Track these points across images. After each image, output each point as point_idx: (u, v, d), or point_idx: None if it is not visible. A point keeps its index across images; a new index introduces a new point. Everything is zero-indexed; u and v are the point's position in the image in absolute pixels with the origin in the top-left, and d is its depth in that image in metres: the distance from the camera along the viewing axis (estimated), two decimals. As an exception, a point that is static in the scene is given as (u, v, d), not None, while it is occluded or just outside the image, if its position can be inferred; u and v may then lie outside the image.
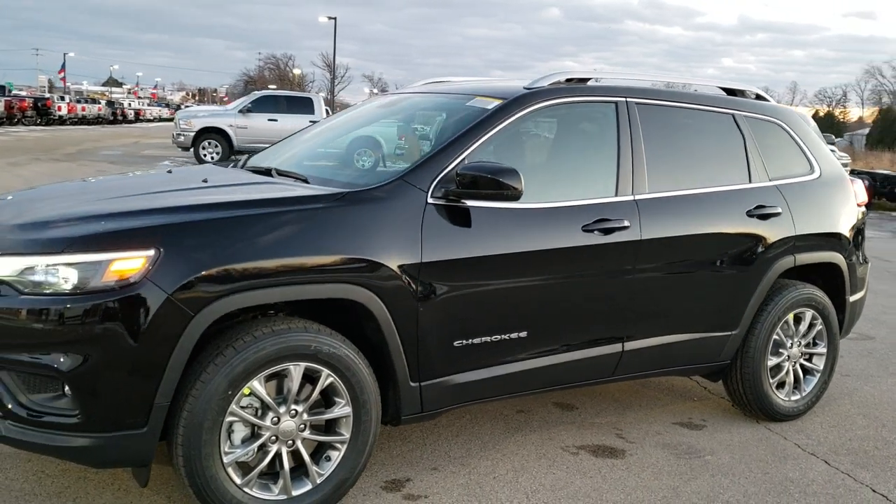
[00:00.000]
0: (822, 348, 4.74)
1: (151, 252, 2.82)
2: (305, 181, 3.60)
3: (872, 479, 3.93)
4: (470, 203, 3.39)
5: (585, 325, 3.85)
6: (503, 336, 3.55)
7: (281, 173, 3.81)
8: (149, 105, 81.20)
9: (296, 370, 3.07)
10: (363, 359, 3.21)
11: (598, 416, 4.52)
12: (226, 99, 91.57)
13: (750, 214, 4.31)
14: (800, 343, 4.65)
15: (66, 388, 2.81)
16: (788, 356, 4.60)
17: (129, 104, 68.48)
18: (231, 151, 20.35)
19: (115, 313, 2.77)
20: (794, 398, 4.65)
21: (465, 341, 3.45)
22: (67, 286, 2.78)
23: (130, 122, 59.93)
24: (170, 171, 4.16)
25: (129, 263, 2.80)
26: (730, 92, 4.69)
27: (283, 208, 3.13)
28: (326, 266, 3.09)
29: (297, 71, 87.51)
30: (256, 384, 3.01)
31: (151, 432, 2.88)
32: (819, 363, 4.75)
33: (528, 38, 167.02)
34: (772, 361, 4.51)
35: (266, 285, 2.99)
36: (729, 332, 4.31)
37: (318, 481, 3.18)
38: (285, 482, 3.12)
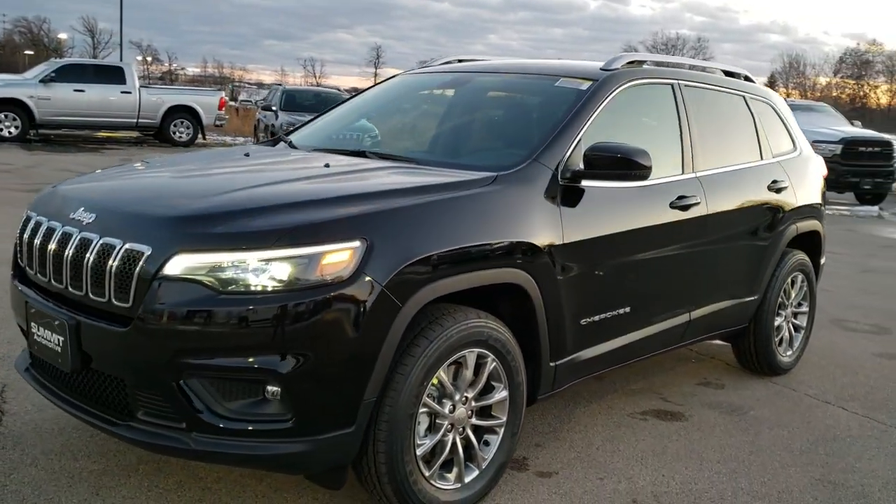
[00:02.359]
0: (805, 307, 5.28)
1: (359, 242, 2.66)
2: (416, 162, 3.50)
3: (890, 419, 4.46)
4: (585, 184, 3.46)
5: (669, 297, 4.07)
6: (615, 312, 3.68)
7: (380, 155, 3.67)
8: None
9: (471, 357, 3.03)
10: (516, 343, 3.22)
11: (629, 383, 4.75)
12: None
13: (769, 189, 4.70)
14: (792, 304, 5.13)
15: (274, 391, 2.60)
16: (785, 316, 5.07)
17: None
18: (31, 125, 18.60)
19: (334, 309, 2.60)
20: (788, 353, 5.14)
21: (589, 319, 3.53)
22: (279, 283, 2.56)
23: None
24: (247, 154, 3.85)
25: (340, 255, 2.63)
26: (731, 75, 5.04)
27: (457, 193, 3.05)
28: (498, 251, 3.07)
29: (62, 35, 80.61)
30: (442, 373, 2.94)
31: (358, 430, 2.73)
32: (803, 321, 5.28)
33: (299, 8, 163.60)
34: (776, 322, 4.96)
35: (456, 272, 2.92)
36: (754, 297, 4.70)
37: (483, 466, 3.16)
38: (460, 470, 3.08)
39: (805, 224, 5.05)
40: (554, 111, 3.68)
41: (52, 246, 2.90)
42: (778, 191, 4.77)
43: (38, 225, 3.05)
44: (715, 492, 3.45)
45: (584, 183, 3.45)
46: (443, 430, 2.99)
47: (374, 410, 2.75)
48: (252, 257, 2.57)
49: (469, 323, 2.96)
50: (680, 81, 4.28)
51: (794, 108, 6.26)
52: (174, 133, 20.01)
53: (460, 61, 4.81)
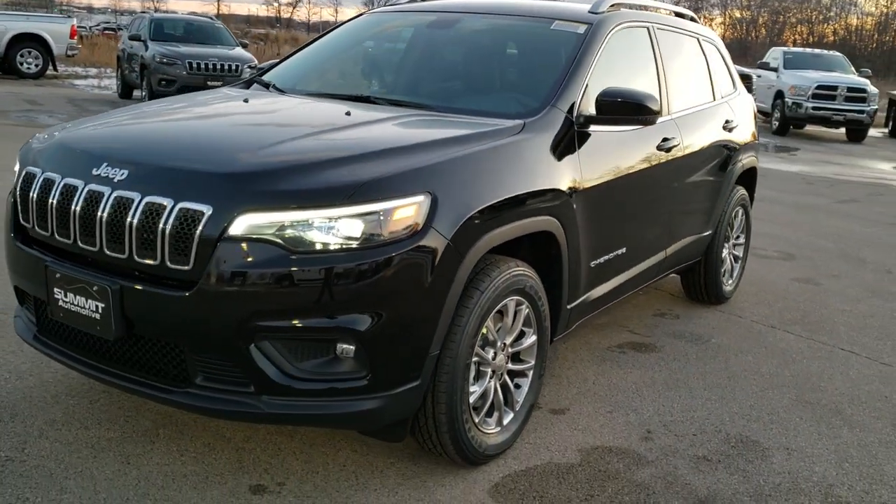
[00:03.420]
0: (742, 239, 5.62)
1: (425, 196, 2.63)
2: (432, 109, 3.44)
3: (830, 339, 4.88)
4: (593, 128, 3.52)
5: (653, 236, 4.24)
6: (616, 253, 3.81)
7: (388, 101, 3.57)
8: None
9: (511, 305, 3.08)
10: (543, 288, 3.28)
11: (595, 318, 4.93)
12: None
13: (724, 128, 4.94)
14: (733, 236, 5.46)
15: (347, 349, 2.55)
16: (727, 248, 5.39)
17: None
18: None
19: (406, 265, 2.56)
20: (730, 283, 5.49)
21: (597, 261, 3.64)
22: (352, 240, 2.50)
23: None
24: (246, 100, 3.63)
25: (409, 210, 2.58)
26: (679, 16, 5.19)
27: (497, 142, 3.04)
28: (536, 199, 3.10)
29: None
30: (489, 322, 2.98)
31: (424, 383, 2.74)
32: (741, 252, 5.64)
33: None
34: (723, 254, 5.27)
35: (505, 223, 2.93)
36: (709, 232, 4.96)
37: (517, 408, 3.25)
38: (500, 414, 3.15)
39: (748, 161, 5.35)
40: (557, 55, 3.70)
41: (76, 206, 2.69)
42: (730, 130, 5.01)
43: (49, 182, 2.80)
44: (715, 418, 3.69)
45: (592, 128, 3.51)
46: (487, 378, 3.04)
47: (436, 363, 2.76)
48: (325, 215, 2.48)
49: (511, 272, 2.99)
50: (653, 24, 4.38)
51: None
52: (21, 64, 18.51)
53: (422, -1, 4.72)
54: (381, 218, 2.52)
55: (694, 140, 4.48)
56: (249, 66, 14.83)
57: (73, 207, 2.70)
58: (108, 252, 2.63)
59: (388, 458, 3.11)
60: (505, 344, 3.12)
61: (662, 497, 3.00)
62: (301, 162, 2.64)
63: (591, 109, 3.48)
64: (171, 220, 2.50)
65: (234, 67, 14.55)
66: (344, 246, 2.50)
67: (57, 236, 2.77)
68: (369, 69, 4.23)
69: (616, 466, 3.19)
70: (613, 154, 3.67)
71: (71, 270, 2.71)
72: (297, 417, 2.63)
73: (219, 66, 14.44)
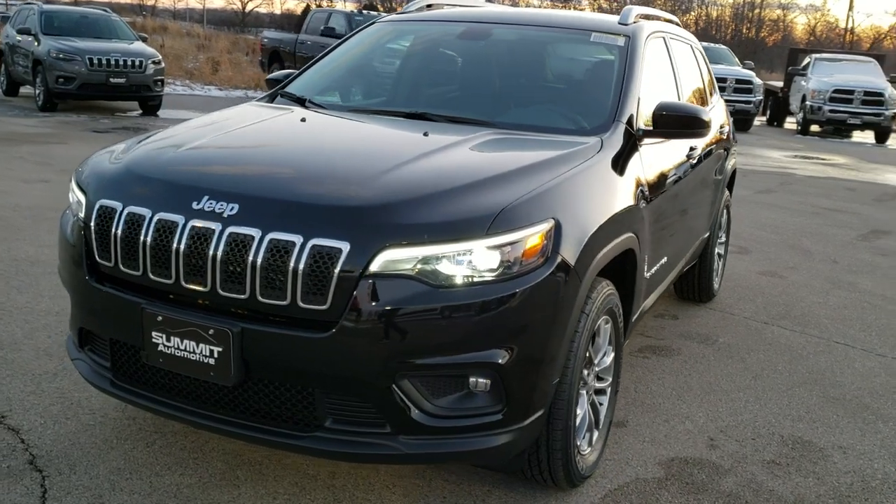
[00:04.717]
0: (724, 237, 5.82)
1: (552, 222, 2.59)
2: (497, 126, 3.38)
3: (821, 333, 5.13)
4: (646, 141, 3.56)
5: (683, 243, 4.32)
6: (661, 262, 3.87)
7: (445, 118, 3.47)
8: None
9: (603, 326, 3.08)
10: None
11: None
12: None
13: (720, 132, 5.09)
14: (719, 236, 5.65)
15: (483, 383, 2.49)
16: (715, 247, 5.58)
17: None
18: None
19: (540, 294, 2.52)
20: (716, 281, 5.67)
21: (650, 272, 3.69)
22: (491, 272, 2.43)
23: None
24: (303, 120, 3.43)
25: (538, 238, 2.54)
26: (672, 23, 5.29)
27: (588, 162, 3.02)
28: (624, 216, 3.11)
29: None
30: (590, 345, 2.97)
31: (546, 412, 2.70)
32: (722, 250, 5.83)
33: None
34: (715, 253, 5.45)
35: (607, 243, 2.92)
36: (707, 234, 5.11)
37: (601, 426, 3.25)
38: (591, 433, 3.15)
39: (734, 162, 5.53)
40: (606, 69, 3.71)
41: (178, 244, 2.49)
42: (723, 133, 5.17)
43: (136, 217, 2.59)
44: (762, 420, 3.81)
45: (645, 141, 3.54)
46: (585, 399, 3.03)
47: (556, 390, 2.72)
48: (463, 248, 2.41)
49: (605, 293, 2.99)
50: (666, 34, 4.45)
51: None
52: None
53: (429, 7, 4.63)
54: (517, 247, 2.47)
55: (705, 146, 4.59)
56: (153, 62, 14.16)
57: (174, 245, 2.50)
58: (222, 292, 2.46)
59: (483, 486, 3.05)
60: (595, 363, 3.11)
61: (758, 506, 3.07)
62: (428, 193, 2.54)
63: (642, 123, 3.50)
64: (303, 259, 2.36)
65: (137, 63, 13.83)
66: (483, 278, 2.42)
67: (152, 276, 2.57)
68: (405, 82, 4.09)
69: (700, 478, 3.25)
70: (661, 166, 3.71)
71: (177, 313, 2.51)
72: (435, 457, 2.55)
73: (121, 62, 13.68)
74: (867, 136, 21.78)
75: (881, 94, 20.07)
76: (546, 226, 2.56)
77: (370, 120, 3.52)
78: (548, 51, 4.06)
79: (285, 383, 2.49)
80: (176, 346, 2.52)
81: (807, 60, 22.95)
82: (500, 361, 2.46)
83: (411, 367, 2.41)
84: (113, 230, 2.63)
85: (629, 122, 3.43)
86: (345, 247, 2.35)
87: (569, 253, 2.61)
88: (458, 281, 2.40)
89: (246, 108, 3.78)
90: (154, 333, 2.55)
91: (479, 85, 3.90)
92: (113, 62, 13.64)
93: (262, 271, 2.39)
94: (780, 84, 24.45)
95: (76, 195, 2.92)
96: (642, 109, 3.55)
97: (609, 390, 3.29)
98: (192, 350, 2.50)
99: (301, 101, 3.81)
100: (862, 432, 3.76)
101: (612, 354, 3.25)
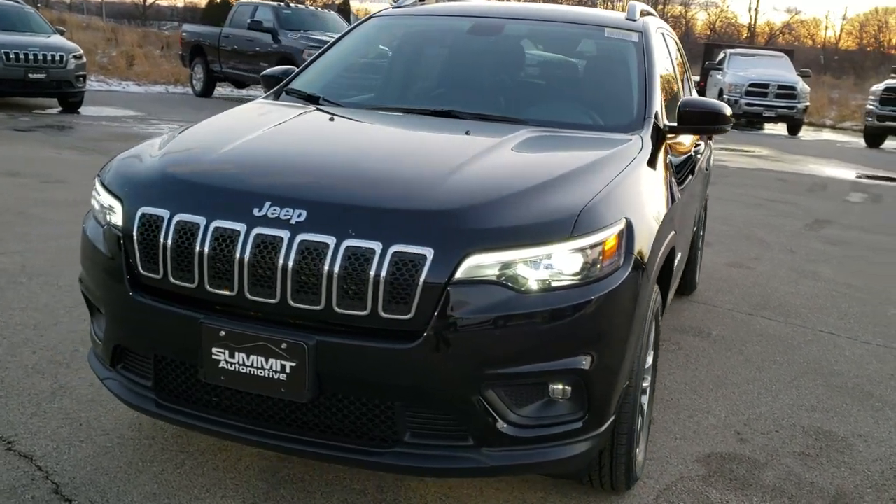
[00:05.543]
0: (701, 232, 5.90)
1: (624, 222, 2.54)
2: (531, 124, 3.31)
3: (804, 322, 5.25)
4: (669, 137, 3.56)
5: (688, 238, 4.34)
6: (678, 258, 3.85)
7: (474, 115, 3.37)
8: None
9: (650, 328, 3.05)
10: None
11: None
12: None
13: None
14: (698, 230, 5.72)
15: (563, 390, 2.42)
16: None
17: None
18: None
19: (619, 296, 2.46)
20: (698, 273, 5.75)
21: (673, 268, 3.68)
22: (574, 275, 2.36)
23: None
24: (332, 119, 3.27)
25: (614, 238, 2.48)
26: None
27: (637, 158, 2.98)
28: (670, 213, 3.09)
29: None
30: (645, 346, 2.94)
31: (616, 418, 2.65)
32: (700, 243, 5.91)
33: None
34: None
35: (663, 241, 2.89)
36: (695, 229, 5.16)
37: (644, 427, 3.22)
38: (639, 434, 3.11)
39: (712, 157, 5.60)
40: (626, 64, 3.68)
41: (242, 254, 2.33)
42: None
43: (188, 226, 2.41)
44: (780, 412, 3.86)
45: (669, 137, 3.53)
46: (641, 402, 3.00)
47: (624, 394, 2.67)
48: (547, 251, 2.33)
49: (655, 291, 2.96)
50: (661, 29, 4.46)
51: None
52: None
53: (422, 1, 4.52)
54: (598, 249, 2.40)
55: (700, 141, 4.63)
56: (75, 57, 13.51)
57: (236, 255, 2.34)
58: (293, 304, 2.31)
59: (536, 493, 2.98)
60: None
61: (805, 498, 3.10)
62: (505, 195, 2.44)
63: (666, 119, 3.49)
64: (385, 267, 2.23)
65: (58, 58, 13.17)
66: (567, 282, 2.35)
67: (209, 288, 2.39)
68: (422, 79, 3.96)
69: (740, 473, 3.25)
70: (680, 162, 3.71)
71: (243, 327, 2.35)
72: (518, 468, 2.46)
73: (41, 57, 13.00)
74: (779, 129, 22.61)
75: (794, 88, 20.88)
76: (620, 226, 2.50)
77: (401, 119, 3.39)
78: (565, 46, 4.00)
79: (363, 397, 2.36)
80: (241, 362, 2.36)
81: (722, 55, 23.69)
82: (584, 367, 2.39)
83: (497, 377, 2.32)
84: (161, 240, 2.44)
85: (656, 118, 3.41)
86: (429, 253, 2.24)
87: (641, 253, 2.57)
88: (543, 285, 2.32)
89: (259, 106, 3.60)
90: (215, 349, 2.38)
91: (501, 81, 3.81)
92: (31, 57, 12.97)
93: (340, 281, 2.26)
94: (696, 78, 25.15)
95: (106, 201, 2.71)
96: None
97: (649, 390, 3.26)
98: (260, 366, 2.34)
99: (313, 99, 3.65)
100: (875, 420, 3.85)
101: (653, 354, 3.23)
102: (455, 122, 3.27)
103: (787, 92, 20.86)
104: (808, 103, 21.73)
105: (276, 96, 3.81)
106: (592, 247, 2.38)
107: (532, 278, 2.31)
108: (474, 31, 4.01)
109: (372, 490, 2.92)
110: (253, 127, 3.10)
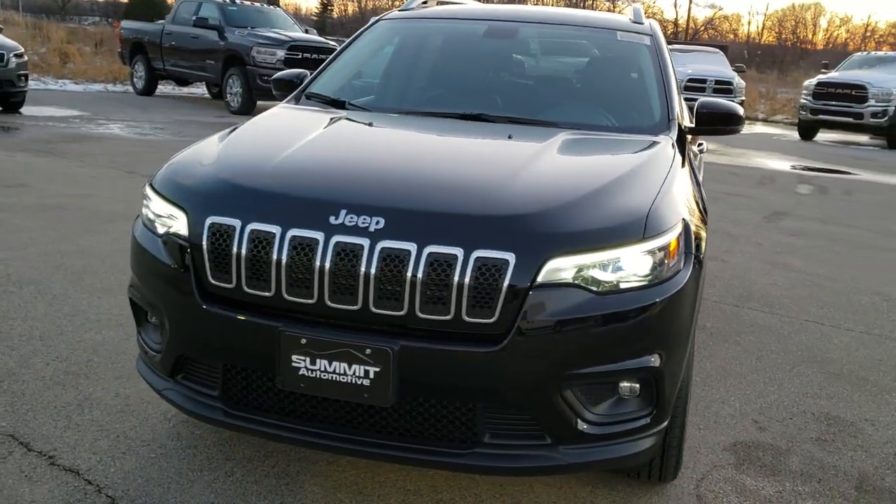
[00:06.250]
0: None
1: (682, 223, 2.64)
2: (560, 126, 3.38)
3: (788, 313, 5.47)
4: (689, 138, 3.68)
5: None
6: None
7: (505, 119, 3.43)
8: None
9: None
10: None
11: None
12: None
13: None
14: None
15: (631, 388, 2.51)
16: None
17: None
18: None
19: (682, 295, 2.55)
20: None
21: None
22: (644, 277, 2.45)
23: None
24: (370, 124, 3.27)
25: (675, 239, 2.58)
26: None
27: (674, 159, 3.07)
28: (703, 214, 3.19)
29: None
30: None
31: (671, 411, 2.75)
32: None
33: None
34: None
35: (702, 239, 2.99)
36: (687, 224, 5.32)
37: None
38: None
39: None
40: (644, 67, 3.79)
41: (322, 262, 2.34)
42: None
43: (265, 236, 2.41)
44: (788, 400, 4.02)
45: (688, 138, 3.64)
46: None
47: (679, 388, 2.77)
48: (621, 253, 2.41)
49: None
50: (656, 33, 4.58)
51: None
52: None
53: (424, 3, 4.56)
54: (665, 251, 2.49)
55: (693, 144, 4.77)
56: (16, 55, 13.08)
57: (316, 264, 2.35)
58: (375, 310, 2.34)
59: (585, 487, 3.07)
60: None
61: (832, 481, 3.25)
62: (576, 199, 2.51)
63: (683, 120, 3.61)
64: (468, 272, 2.28)
65: (-1, 57, 12.74)
66: (639, 283, 2.44)
67: (287, 296, 2.40)
68: (445, 82, 3.98)
69: (767, 460, 3.40)
70: (695, 162, 3.84)
71: (325, 334, 2.36)
72: (593, 465, 2.53)
73: (-20, 56, 12.57)
74: (716, 123, 23.20)
75: (730, 83, 21.47)
76: (680, 227, 2.60)
77: (440, 123, 3.42)
78: (582, 49, 4.08)
79: (444, 400, 2.40)
80: (323, 368, 2.37)
81: None
82: (655, 365, 2.48)
83: (577, 377, 2.39)
84: (234, 250, 2.43)
85: (678, 119, 3.52)
86: (511, 258, 2.29)
87: (695, 252, 2.67)
88: (617, 287, 2.40)
89: (288, 111, 3.60)
90: (295, 357, 2.39)
91: (525, 84, 3.87)
92: (-30, 55, 12.50)
93: (423, 286, 2.29)
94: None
95: (162, 209, 2.69)
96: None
97: (685, 382, 3.37)
98: (342, 372, 2.36)
99: (338, 104, 3.66)
100: (877, 405, 4.05)
101: (687, 347, 3.34)
102: (491, 126, 3.32)
103: (724, 87, 21.43)
104: (744, 98, 22.36)
105: (297, 100, 3.80)
106: (660, 248, 2.47)
107: (606, 280, 2.38)
108: (490, 35, 4.06)
109: (426, 490, 2.97)
110: (297, 133, 3.10)
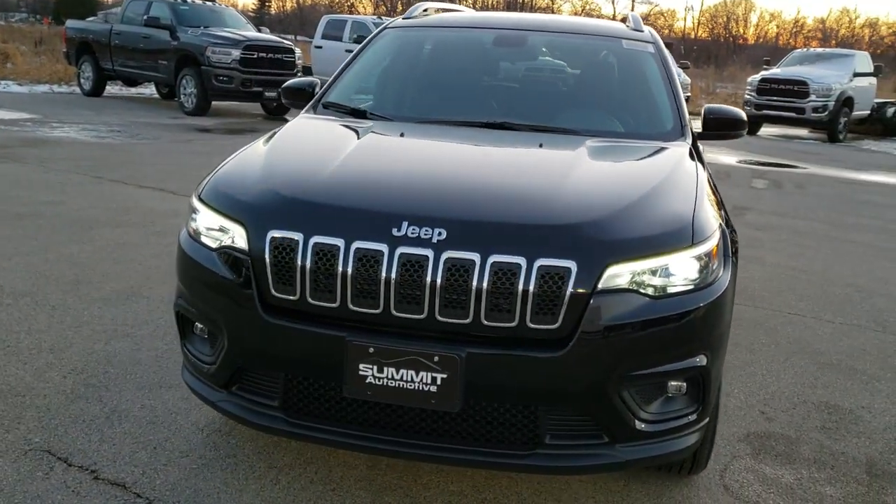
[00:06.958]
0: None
1: (720, 228, 2.78)
2: (581, 133, 3.49)
3: (770, 305, 5.69)
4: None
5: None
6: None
7: (528, 127, 3.53)
8: None
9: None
10: None
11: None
12: None
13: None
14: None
15: (679, 386, 2.63)
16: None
17: None
18: None
19: (724, 296, 2.69)
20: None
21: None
22: (693, 281, 2.57)
23: None
24: (402, 134, 3.32)
25: (715, 244, 2.71)
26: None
27: (695, 165, 3.21)
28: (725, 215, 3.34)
29: None
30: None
31: (711, 408, 2.89)
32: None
33: None
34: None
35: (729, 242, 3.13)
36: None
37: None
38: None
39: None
40: (651, 75, 3.92)
41: (388, 273, 2.41)
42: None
43: (329, 248, 2.46)
44: (788, 391, 4.22)
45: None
46: None
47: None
48: (673, 259, 2.53)
49: None
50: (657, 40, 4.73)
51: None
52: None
53: (424, 12, 4.63)
54: (709, 255, 2.62)
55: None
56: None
57: (382, 275, 2.42)
58: (440, 318, 2.42)
59: (618, 482, 3.19)
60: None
61: (844, 467, 3.44)
62: (624, 206, 2.62)
63: (691, 125, 3.75)
64: (532, 280, 2.37)
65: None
66: (687, 287, 2.56)
67: (352, 307, 2.46)
68: (465, 90, 4.01)
69: (781, 448, 3.57)
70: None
71: (393, 343, 2.43)
72: (646, 460, 2.64)
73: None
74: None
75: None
76: (719, 232, 2.73)
77: (471, 133, 3.49)
78: (592, 58, 4.20)
79: (507, 403, 2.49)
80: (390, 376, 2.44)
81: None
82: (702, 364, 2.61)
83: (635, 378, 2.50)
84: (298, 262, 2.48)
85: (686, 124, 3.66)
86: (572, 265, 2.39)
87: (730, 255, 2.81)
88: (669, 291, 2.52)
89: (313, 121, 3.64)
90: (362, 366, 2.45)
91: (542, 92, 3.97)
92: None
93: (488, 295, 2.38)
94: None
95: (213, 222, 2.72)
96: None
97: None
98: (410, 379, 2.43)
99: (358, 113, 3.71)
100: (870, 392, 4.27)
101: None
102: (517, 135, 3.42)
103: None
104: (689, 94, 22.84)
105: (314, 110, 3.84)
106: (706, 254, 2.60)
107: (659, 285, 2.50)
108: (499, 43, 4.15)
109: (469, 490, 3.05)
110: (334, 145, 3.15)
